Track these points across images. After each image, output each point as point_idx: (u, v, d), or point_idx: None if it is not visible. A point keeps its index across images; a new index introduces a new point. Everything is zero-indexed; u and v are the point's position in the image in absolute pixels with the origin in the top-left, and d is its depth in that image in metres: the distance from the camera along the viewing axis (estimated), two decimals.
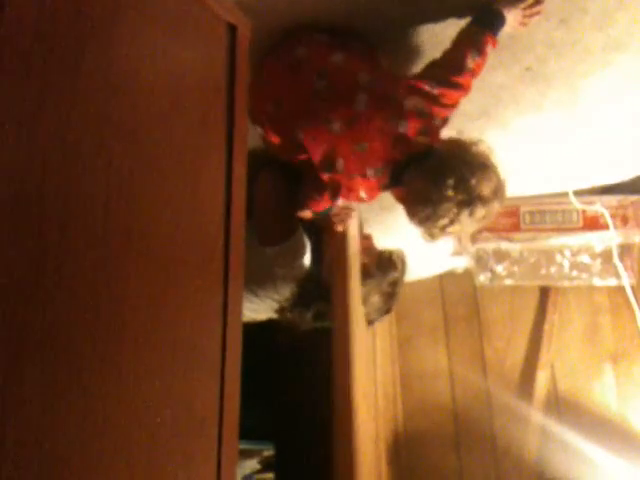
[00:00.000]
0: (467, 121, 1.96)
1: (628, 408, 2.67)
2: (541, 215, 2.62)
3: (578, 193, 2.55)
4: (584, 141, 2.28)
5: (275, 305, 1.95)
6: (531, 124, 2.14)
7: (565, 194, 2.55)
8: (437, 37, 1.67)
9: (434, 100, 1.51)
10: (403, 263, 2.05)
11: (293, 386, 2.22)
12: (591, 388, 2.77)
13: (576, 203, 2.55)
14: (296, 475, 2.09)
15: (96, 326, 0.76)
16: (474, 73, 1.54)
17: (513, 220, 2.59)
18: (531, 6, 1.54)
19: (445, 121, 1.57)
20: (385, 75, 1.59)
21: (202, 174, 1.05)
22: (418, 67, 1.72)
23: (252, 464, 2.29)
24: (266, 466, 2.30)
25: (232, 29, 1.17)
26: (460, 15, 1.59)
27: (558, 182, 2.52)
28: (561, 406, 2.79)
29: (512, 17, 1.53)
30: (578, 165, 2.42)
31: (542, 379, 2.82)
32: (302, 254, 1.91)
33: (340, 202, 1.74)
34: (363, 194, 1.63)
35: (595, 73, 1.88)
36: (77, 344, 0.73)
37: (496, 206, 1.49)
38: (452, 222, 1.47)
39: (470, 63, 1.51)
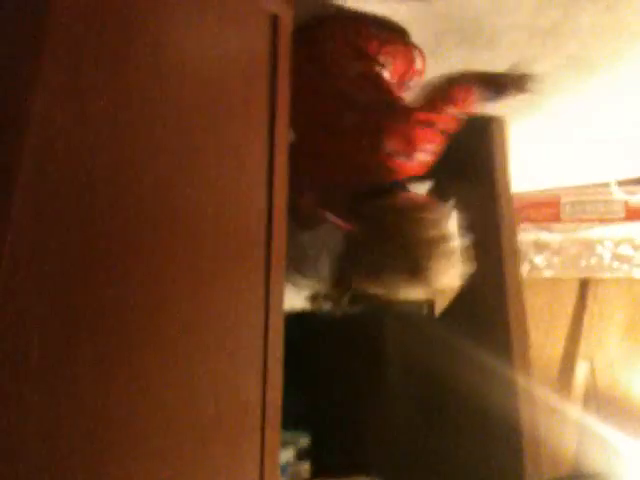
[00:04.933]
0: (513, 112, 1.93)
1: None
2: (582, 205, 2.57)
3: (621, 183, 2.50)
4: (628, 129, 2.23)
5: (309, 293, 1.96)
6: (574, 113, 2.11)
7: (607, 184, 2.50)
8: None
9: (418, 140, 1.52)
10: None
11: (328, 374, 2.22)
12: (631, 382, 2.73)
13: (619, 193, 2.50)
14: (332, 465, 2.10)
15: (145, 310, 0.77)
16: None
17: (553, 210, 2.55)
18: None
19: (423, 163, 1.56)
20: (388, 100, 1.59)
21: (245, 162, 1.05)
22: None
23: (287, 454, 2.31)
24: (301, 456, 2.31)
25: (274, 18, 1.17)
26: None
27: (601, 172, 2.47)
28: (600, 400, 2.75)
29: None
30: (622, 154, 2.37)
31: (581, 372, 2.78)
32: (336, 239, 1.91)
33: None
34: None
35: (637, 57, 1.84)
36: (128, 328, 0.74)
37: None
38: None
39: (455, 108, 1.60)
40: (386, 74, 1.65)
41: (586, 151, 2.34)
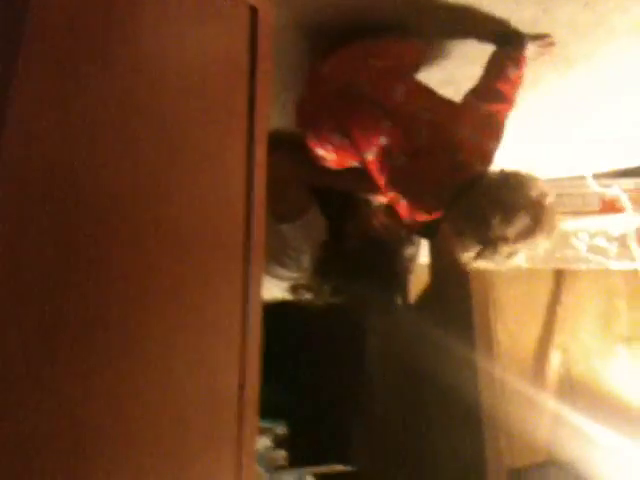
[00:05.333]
0: None
1: None
2: (559, 198, 2.61)
3: (596, 176, 2.54)
4: (603, 124, 2.27)
5: (289, 284, 1.97)
6: (551, 107, 2.13)
7: (583, 177, 2.54)
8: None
9: (487, 119, 1.58)
10: (418, 240, 2.08)
11: (306, 364, 2.24)
12: (605, 372, 2.78)
13: (594, 186, 2.54)
14: (309, 452, 2.13)
15: (124, 306, 0.78)
16: (515, 85, 1.65)
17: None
18: (545, 44, 1.76)
19: (498, 140, 1.60)
20: (440, 104, 1.64)
21: (225, 156, 1.06)
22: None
23: (264, 442, 2.33)
24: (278, 444, 2.34)
25: (253, 11, 1.17)
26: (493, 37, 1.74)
27: (577, 165, 2.51)
28: (574, 389, 2.80)
29: (532, 48, 1.73)
30: (597, 148, 2.41)
31: (555, 362, 2.83)
32: (317, 230, 1.93)
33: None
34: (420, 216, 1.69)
35: (617, 55, 1.87)
36: (108, 324, 0.75)
37: (528, 244, 1.48)
38: (478, 257, 1.49)
39: (511, 75, 1.64)
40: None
41: (563, 145, 2.38)
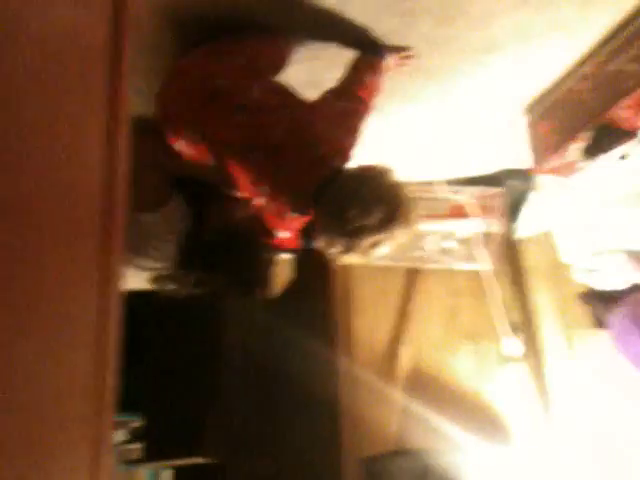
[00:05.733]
0: None
1: (482, 383, 2.91)
2: (414, 202, 2.76)
3: (447, 183, 2.71)
4: (456, 135, 2.43)
5: (151, 274, 1.92)
6: (409, 116, 2.25)
7: (435, 183, 2.71)
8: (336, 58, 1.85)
9: (339, 120, 1.64)
10: None
11: (163, 357, 2.20)
12: (449, 365, 2.97)
13: (444, 192, 2.71)
14: (168, 447, 2.09)
15: None
16: (371, 90, 1.74)
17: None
18: (404, 56, 1.88)
19: (354, 140, 1.66)
20: (297, 102, 1.67)
21: (83, 139, 1.02)
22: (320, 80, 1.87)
23: (119, 435, 2.26)
24: (134, 437, 2.28)
25: None
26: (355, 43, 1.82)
27: (430, 171, 2.67)
28: (422, 381, 2.97)
29: (391, 58, 1.84)
30: (448, 156, 2.57)
31: (405, 355, 2.98)
32: (180, 220, 1.90)
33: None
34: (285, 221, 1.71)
35: (467, 71, 2.01)
36: None
37: (389, 234, 1.52)
38: (343, 251, 1.53)
39: (367, 80, 1.73)
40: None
41: (418, 151, 2.52)
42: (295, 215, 1.66)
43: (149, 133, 1.80)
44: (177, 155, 1.81)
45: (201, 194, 1.99)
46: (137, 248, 1.84)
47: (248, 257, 1.97)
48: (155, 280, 1.90)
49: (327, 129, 1.61)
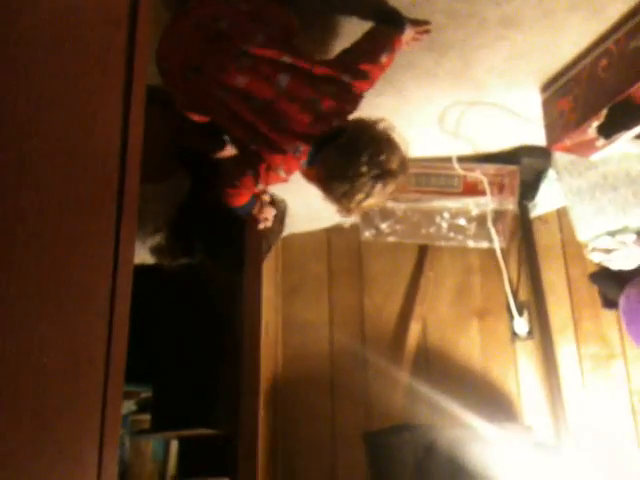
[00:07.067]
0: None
1: (489, 360, 2.91)
2: (426, 178, 2.74)
3: (461, 159, 2.69)
4: (469, 110, 2.40)
5: (153, 245, 1.93)
6: (423, 92, 2.23)
7: (449, 159, 2.68)
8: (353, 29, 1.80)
9: (346, 88, 1.63)
10: (284, 209, 2.12)
11: (172, 328, 2.22)
12: (458, 340, 2.98)
13: (458, 169, 2.69)
14: (173, 417, 2.12)
15: None
16: (383, 68, 1.70)
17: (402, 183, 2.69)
18: (422, 31, 1.82)
19: (354, 107, 1.67)
20: (304, 58, 1.64)
21: (98, 112, 1.01)
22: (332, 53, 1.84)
23: (128, 405, 2.30)
24: (142, 407, 2.31)
25: None
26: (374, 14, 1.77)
27: (444, 147, 2.64)
28: (430, 356, 2.98)
29: (409, 32, 1.77)
30: (462, 132, 2.54)
31: (414, 331, 2.99)
32: (182, 191, 1.90)
33: (261, 188, 1.77)
34: (282, 173, 1.70)
35: (488, 46, 1.98)
36: None
37: (402, 178, 1.62)
38: (367, 196, 1.56)
39: (383, 58, 1.67)
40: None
41: (432, 127, 2.49)
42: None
43: (157, 103, 1.79)
44: (182, 125, 1.80)
45: (202, 166, 1.98)
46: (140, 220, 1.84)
47: (240, 231, 1.97)
48: (155, 252, 1.91)
49: (329, 93, 1.61)
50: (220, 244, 2.00)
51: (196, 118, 1.77)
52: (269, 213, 1.94)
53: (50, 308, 0.85)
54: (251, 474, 1.88)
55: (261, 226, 1.95)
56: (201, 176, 1.97)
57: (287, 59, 1.59)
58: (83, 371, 0.91)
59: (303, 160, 1.65)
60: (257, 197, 1.84)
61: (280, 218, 2.09)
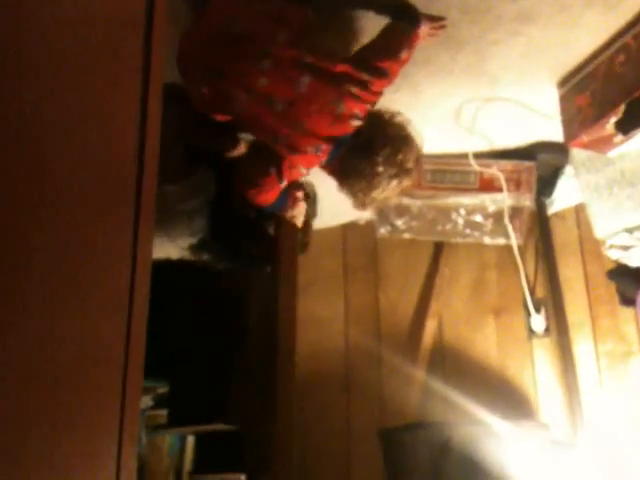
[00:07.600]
0: None
1: (506, 358, 2.90)
2: (442, 174, 2.73)
3: (477, 155, 2.67)
4: (486, 107, 2.39)
5: (186, 244, 1.94)
6: (437, 88, 2.22)
7: (465, 155, 2.67)
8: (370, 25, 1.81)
9: (365, 87, 1.63)
10: (314, 194, 2.13)
11: (189, 323, 2.24)
12: (474, 338, 2.97)
13: (474, 165, 2.68)
14: (189, 412, 2.14)
15: (4, 261, 0.75)
16: (402, 64, 1.70)
17: (416, 177, 2.68)
18: (437, 26, 1.80)
19: (374, 105, 1.69)
20: (325, 57, 1.65)
21: (115, 110, 1.02)
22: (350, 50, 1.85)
23: (145, 400, 2.32)
24: (159, 403, 2.33)
25: None
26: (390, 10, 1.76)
27: (460, 143, 2.63)
28: (445, 353, 2.98)
29: (425, 27, 1.74)
30: (479, 128, 2.53)
31: (430, 328, 2.99)
32: (205, 190, 1.90)
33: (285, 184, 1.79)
34: (303, 170, 1.73)
35: (503, 42, 1.97)
36: None
37: (415, 174, 1.67)
38: (383, 192, 1.60)
39: (402, 54, 1.68)
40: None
41: (447, 124, 2.48)
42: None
43: (175, 102, 1.79)
44: (204, 122, 1.80)
45: (223, 165, 1.99)
46: (163, 219, 1.85)
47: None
48: (191, 250, 1.92)
49: (352, 91, 1.62)
50: (261, 244, 2.01)
51: (220, 118, 1.78)
52: (300, 209, 1.96)
53: (69, 304, 0.86)
54: (286, 470, 1.91)
55: (297, 222, 1.98)
56: (222, 176, 1.97)
57: (308, 59, 1.59)
58: (102, 367, 0.92)
59: (324, 159, 1.67)
60: (289, 193, 1.85)
61: (311, 211, 2.12)
